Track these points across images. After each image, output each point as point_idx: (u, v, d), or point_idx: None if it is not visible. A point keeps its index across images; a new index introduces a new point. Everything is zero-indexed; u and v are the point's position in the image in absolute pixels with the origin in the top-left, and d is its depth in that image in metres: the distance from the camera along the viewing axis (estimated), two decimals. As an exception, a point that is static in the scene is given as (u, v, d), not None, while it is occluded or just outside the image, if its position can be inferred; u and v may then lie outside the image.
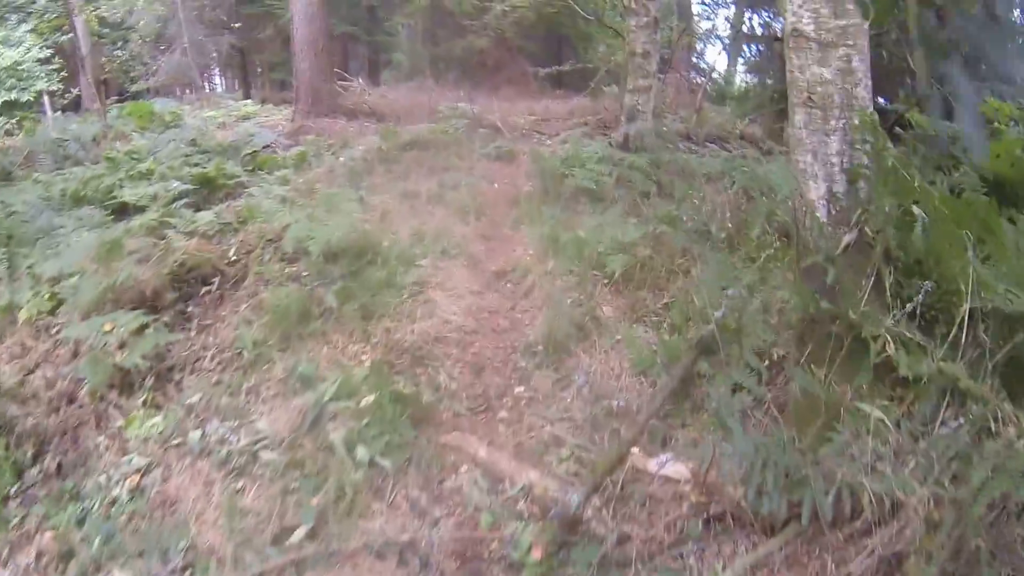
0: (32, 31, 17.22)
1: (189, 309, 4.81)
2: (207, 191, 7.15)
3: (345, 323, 4.45)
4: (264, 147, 8.92)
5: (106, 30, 18.83)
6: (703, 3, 17.13)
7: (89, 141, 9.99)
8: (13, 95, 16.12)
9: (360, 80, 13.81)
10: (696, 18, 16.73)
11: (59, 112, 17.52)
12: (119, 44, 18.98)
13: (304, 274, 4.98)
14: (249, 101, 16.57)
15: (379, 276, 4.91)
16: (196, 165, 7.65)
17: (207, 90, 21.48)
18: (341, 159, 8.25)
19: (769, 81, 9.30)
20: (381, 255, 5.18)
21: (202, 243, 5.30)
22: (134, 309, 4.46)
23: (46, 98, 17.03)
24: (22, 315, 4.58)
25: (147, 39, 18.56)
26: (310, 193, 6.77)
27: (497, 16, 15.68)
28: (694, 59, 16.89)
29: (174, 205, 6.09)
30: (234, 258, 5.23)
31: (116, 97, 18.21)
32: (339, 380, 3.84)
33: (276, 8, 17.24)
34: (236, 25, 18.29)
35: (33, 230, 6.08)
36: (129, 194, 6.53)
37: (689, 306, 4.22)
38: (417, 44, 21.85)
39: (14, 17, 17.28)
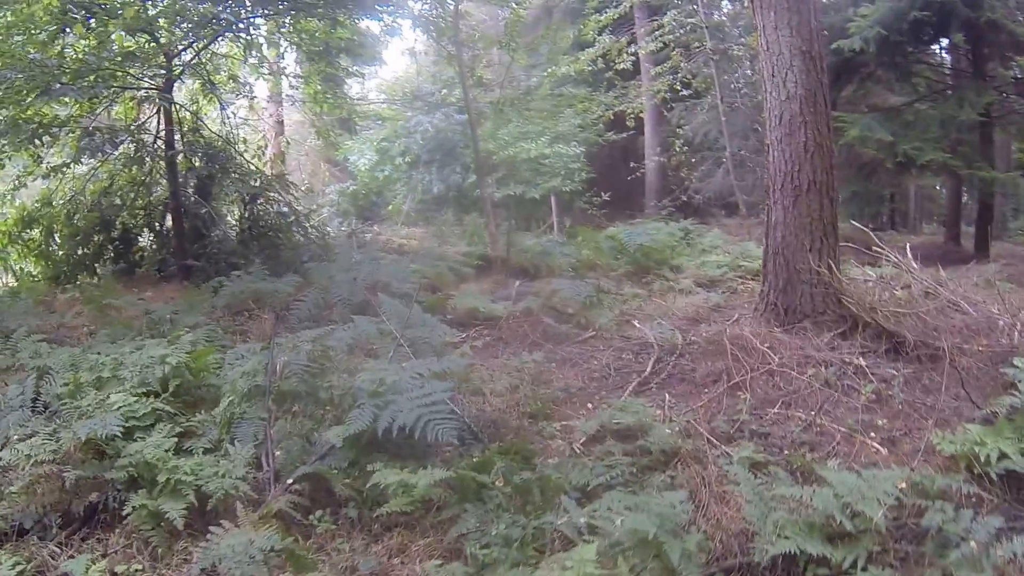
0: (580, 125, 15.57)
1: None
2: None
3: None
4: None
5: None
6: None
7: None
8: (520, 190, 14.12)
9: (903, 256, 6.53)
10: None
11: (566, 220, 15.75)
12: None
13: None
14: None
15: None
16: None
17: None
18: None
19: None
20: None
21: None
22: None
23: (553, 199, 15.41)
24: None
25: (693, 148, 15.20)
26: None
27: None
28: None
29: None
30: None
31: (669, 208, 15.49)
32: None
33: (843, 121, 11.31)
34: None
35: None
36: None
37: None
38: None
39: (569, 111, 15.72)
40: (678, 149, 15.77)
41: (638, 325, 6.26)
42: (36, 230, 8.80)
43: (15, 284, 8.81)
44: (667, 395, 4.59)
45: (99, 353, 4.70)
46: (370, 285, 6.53)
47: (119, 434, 3.28)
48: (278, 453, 3.34)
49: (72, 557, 2.84)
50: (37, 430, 3.52)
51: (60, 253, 8.86)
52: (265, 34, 9.04)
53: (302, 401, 3.71)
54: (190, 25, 7.51)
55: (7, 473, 3.25)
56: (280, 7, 7.84)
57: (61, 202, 8.94)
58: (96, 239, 8.96)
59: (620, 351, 5.69)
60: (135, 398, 3.63)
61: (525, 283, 8.06)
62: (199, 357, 4.09)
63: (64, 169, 8.42)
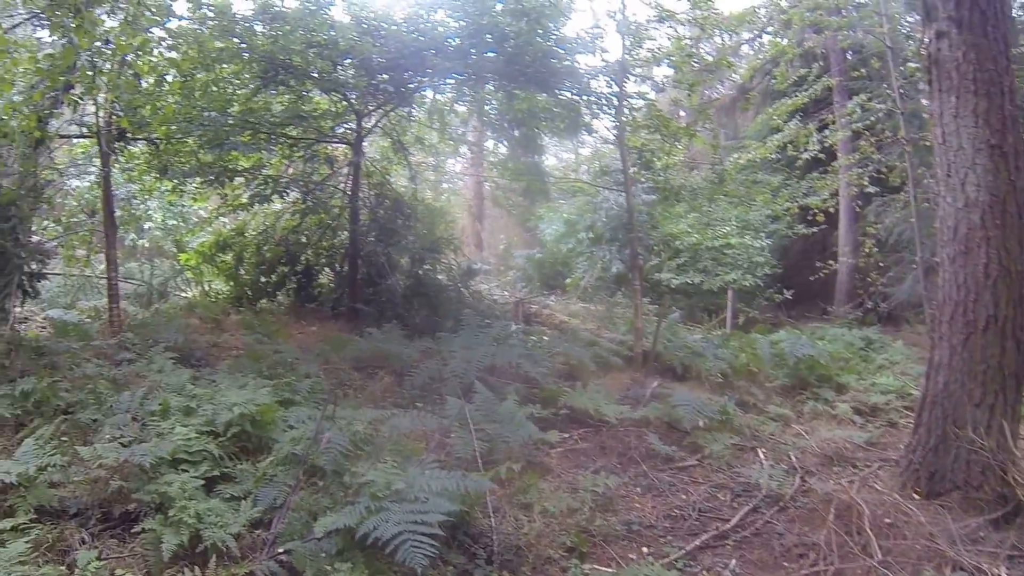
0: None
1: None
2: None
3: None
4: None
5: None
6: None
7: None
8: (698, 279, 13.76)
9: None
10: None
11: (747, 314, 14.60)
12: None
13: None
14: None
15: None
16: None
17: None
18: None
19: None
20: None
21: None
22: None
23: (730, 292, 14.51)
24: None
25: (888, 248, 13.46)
26: None
27: None
28: None
29: None
30: None
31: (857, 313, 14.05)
32: None
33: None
34: None
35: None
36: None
37: None
38: None
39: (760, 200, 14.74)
40: (868, 249, 14.07)
41: (762, 455, 5.46)
42: (228, 254, 9.96)
43: (198, 297, 9.97)
44: (734, 561, 3.87)
45: (212, 382, 5.14)
46: (488, 366, 6.33)
47: (156, 463, 3.54)
48: (284, 522, 3.32)
49: (90, 548, 3.15)
50: (122, 436, 3.91)
51: (246, 277, 9.90)
52: (446, 102, 9.68)
53: (328, 479, 3.71)
54: (369, 89, 8.20)
55: (79, 464, 3.66)
56: (453, 79, 8.34)
57: (253, 233, 10.06)
58: (280, 270, 9.93)
59: (718, 488, 4.96)
60: (195, 435, 3.88)
61: (667, 384, 7.26)
62: (267, 411, 4.28)
63: (249, 207, 9.52)
